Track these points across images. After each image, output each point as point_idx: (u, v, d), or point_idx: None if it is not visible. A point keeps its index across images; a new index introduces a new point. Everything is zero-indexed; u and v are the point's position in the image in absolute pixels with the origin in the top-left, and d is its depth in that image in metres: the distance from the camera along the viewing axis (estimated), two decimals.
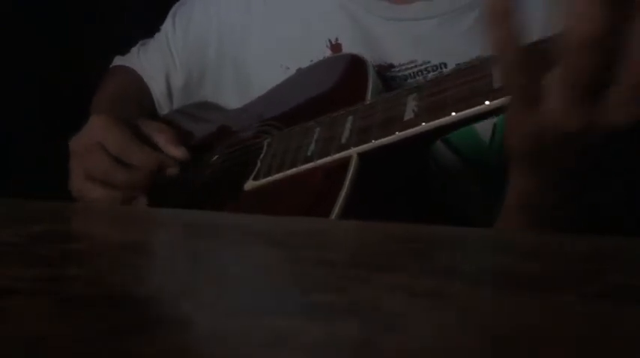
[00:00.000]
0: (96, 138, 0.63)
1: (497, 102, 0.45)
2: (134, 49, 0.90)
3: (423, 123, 0.49)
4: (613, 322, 0.17)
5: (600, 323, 0.17)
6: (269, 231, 0.35)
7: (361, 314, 0.18)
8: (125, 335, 0.15)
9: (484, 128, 0.64)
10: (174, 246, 0.31)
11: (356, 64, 0.65)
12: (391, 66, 0.68)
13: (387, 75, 0.68)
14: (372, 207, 0.55)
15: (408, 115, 0.51)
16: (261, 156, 0.62)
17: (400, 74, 0.67)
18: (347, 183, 0.51)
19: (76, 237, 0.33)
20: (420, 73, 0.67)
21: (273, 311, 0.18)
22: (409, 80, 0.67)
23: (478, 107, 0.46)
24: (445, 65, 0.66)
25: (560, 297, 0.20)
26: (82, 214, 0.46)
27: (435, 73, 0.66)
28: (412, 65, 0.67)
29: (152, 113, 0.84)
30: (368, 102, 0.57)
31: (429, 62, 0.67)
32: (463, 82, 0.49)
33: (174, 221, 0.41)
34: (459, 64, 0.65)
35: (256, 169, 0.61)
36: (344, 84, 0.66)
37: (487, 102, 0.46)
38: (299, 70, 0.72)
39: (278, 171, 0.58)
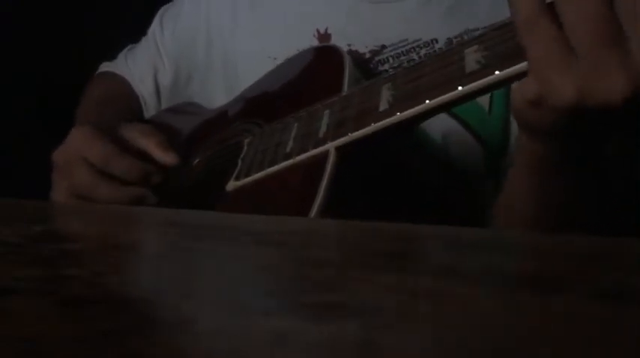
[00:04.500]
0: (78, 151, 0.61)
1: (470, 87, 0.45)
2: (121, 54, 0.90)
3: (398, 113, 0.49)
4: (613, 322, 0.17)
5: (600, 323, 0.17)
6: (268, 231, 0.35)
7: (361, 314, 0.18)
8: (125, 336, 0.15)
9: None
10: (174, 246, 0.31)
11: (332, 55, 0.65)
12: (383, 47, 0.68)
13: (375, 59, 0.68)
14: (354, 201, 0.54)
15: (383, 106, 0.50)
16: (242, 155, 0.62)
17: (393, 53, 0.68)
18: (326, 177, 0.50)
19: (76, 237, 0.33)
20: (412, 50, 0.67)
21: (273, 311, 0.18)
22: (402, 58, 0.67)
23: (452, 93, 0.46)
24: (436, 41, 0.67)
25: (560, 297, 0.20)
26: (81, 214, 0.46)
27: (427, 48, 0.67)
28: (404, 44, 0.67)
29: (139, 117, 0.84)
30: (344, 94, 0.57)
31: (419, 39, 0.67)
32: (436, 69, 0.48)
33: (174, 221, 0.41)
34: (449, 38, 0.66)
35: (237, 169, 0.61)
36: (321, 76, 0.65)
37: (460, 88, 0.45)
38: (283, 62, 0.72)
39: (258, 170, 0.58)
